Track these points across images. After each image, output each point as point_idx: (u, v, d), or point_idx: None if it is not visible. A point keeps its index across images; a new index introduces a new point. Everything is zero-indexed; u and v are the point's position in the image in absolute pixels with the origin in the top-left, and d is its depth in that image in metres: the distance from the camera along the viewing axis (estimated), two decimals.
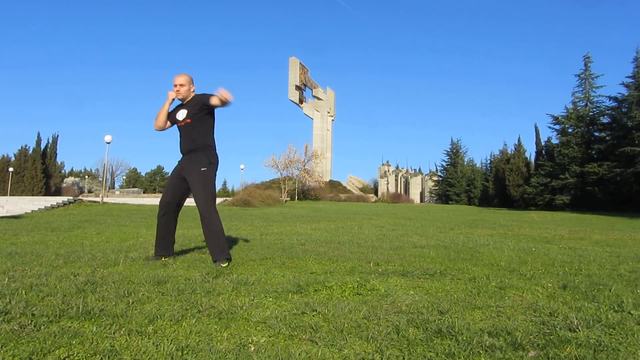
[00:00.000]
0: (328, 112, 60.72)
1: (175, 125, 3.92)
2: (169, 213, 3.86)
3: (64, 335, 1.84)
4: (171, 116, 3.90)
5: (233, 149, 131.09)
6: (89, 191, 61.64)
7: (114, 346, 1.75)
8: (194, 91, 3.90)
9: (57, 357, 1.64)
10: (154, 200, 28.25)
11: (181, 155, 3.88)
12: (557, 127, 35.26)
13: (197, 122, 3.77)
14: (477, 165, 55.61)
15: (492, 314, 2.28)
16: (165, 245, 3.92)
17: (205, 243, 3.83)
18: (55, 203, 17.44)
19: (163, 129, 3.90)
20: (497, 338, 1.89)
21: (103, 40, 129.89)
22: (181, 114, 3.83)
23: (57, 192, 45.57)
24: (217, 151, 3.89)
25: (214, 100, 3.63)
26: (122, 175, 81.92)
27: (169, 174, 3.95)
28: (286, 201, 34.94)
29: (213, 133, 3.88)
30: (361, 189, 63.19)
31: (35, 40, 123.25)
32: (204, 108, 3.75)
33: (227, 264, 3.62)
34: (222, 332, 1.94)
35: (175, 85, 3.79)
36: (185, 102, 3.87)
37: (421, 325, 2.05)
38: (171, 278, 3.04)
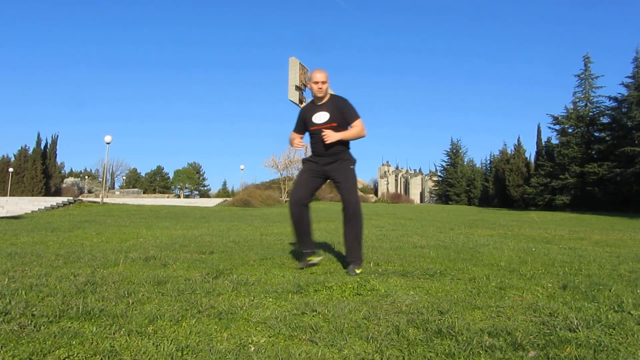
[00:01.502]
0: None
1: (308, 129, 3.72)
2: (304, 208, 3.66)
3: (64, 336, 1.84)
4: (305, 120, 3.71)
5: (233, 149, 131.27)
6: (89, 191, 61.63)
7: (114, 346, 1.75)
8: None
9: (57, 358, 1.64)
10: (154, 200, 28.25)
11: (315, 155, 3.70)
12: (557, 127, 35.28)
13: (340, 126, 3.61)
14: (477, 166, 55.63)
15: (492, 314, 2.28)
16: (309, 240, 3.69)
17: (344, 240, 3.61)
18: (55, 203, 17.44)
19: None
20: (497, 338, 1.89)
21: (103, 40, 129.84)
22: (320, 117, 3.62)
23: (57, 193, 45.58)
24: None
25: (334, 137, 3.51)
26: (122, 176, 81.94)
27: (300, 173, 3.79)
28: (286, 201, 34.93)
29: None
30: (361, 189, 63.22)
31: (35, 40, 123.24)
32: (343, 116, 3.61)
33: (361, 270, 3.43)
34: (222, 333, 1.94)
35: (317, 83, 3.58)
36: (322, 103, 3.65)
37: (421, 325, 2.05)
38: (171, 278, 3.04)
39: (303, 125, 3.76)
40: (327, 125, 3.58)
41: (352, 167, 3.66)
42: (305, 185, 3.68)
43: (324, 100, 3.66)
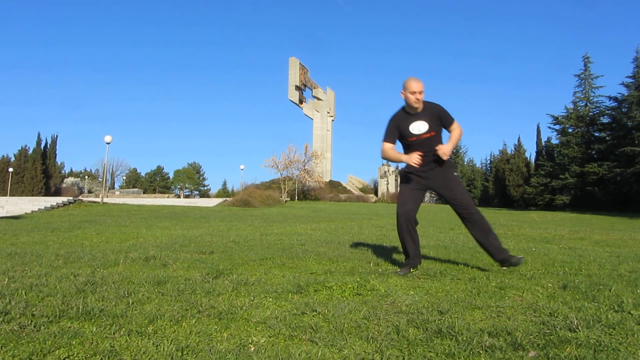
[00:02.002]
0: (328, 113, 60.71)
1: (404, 141, 3.63)
2: (411, 221, 3.60)
3: (64, 336, 1.84)
4: (401, 130, 3.58)
5: (233, 149, 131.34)
6: (89, 191, 61.61)
7: (114, 346, 1.74)
8: None
9: (57, 358, 1.64)
10: (154, 200, 28.25)
11: (415, 168, 3.57)
12: (557, 127, 35.31)
13: (438, 134, 3.56)
14: (477, 165, 55.68)
15: (492, 314, 2.28)
16: (416, 253, 3.63)
17: (480, 244, 3.60)
18: (55, 203, 17.43)
19: None
20: (497, 338, 1.89)
21: (103, 41, 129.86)
22: (419, 127, 3.52)
23: (57, 193, 45.59)
24: None
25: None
26: (122, 176, 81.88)
27: (402, 188, 3.70)
28: (286, 201, 34.94)
29: None
30: (361, 189, 63.17)
31: (36, 41, 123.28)
32: (440, 122, 3.55)
33: (521, 257, 3.50)
34: (222, 333, 1.94)
35: (415, 93, 3.45)
36: (417, 112, 3.53)
37: (421, 325, 2.05)
38: (171, 278, 3.04)
39: (398, 135, 3.62)
40: (427, 135, 3.50)
41: (455, 174, 3.62)
42: (412, 199, 3.60)
43: (419, 110, 3.54)
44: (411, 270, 3.52)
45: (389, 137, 3.60)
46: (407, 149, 3.61)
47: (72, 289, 2.67)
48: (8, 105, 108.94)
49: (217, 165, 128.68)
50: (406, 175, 3.67)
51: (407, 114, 3.56)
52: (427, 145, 3.51)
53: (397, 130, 3.59)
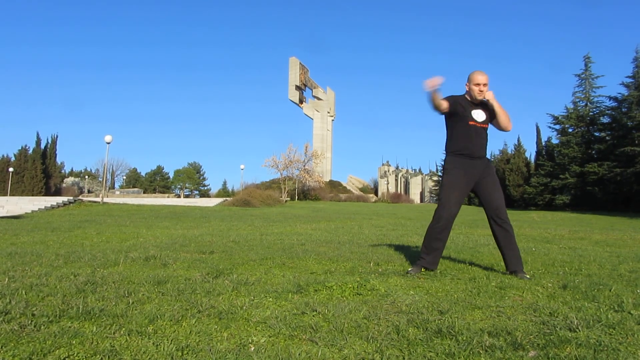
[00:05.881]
0: (328, 112, 60.72)
1: (463, 122, 3.49)
2: (450, 225, 3.53)
3: (64, 335, 1.84)
4: (460, 110, 3.48)
5: (233, 149, 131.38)
6: (89, 191, 61.63)
7: (114, 346, 1.74)
8: None
9: (57, 357, 1.64)
10: (154, 200, 28.25)
11: (467, 157, 3.48)
12: (557, 127, 35.32)
13: (488, 130, 3.56)
14: None
15: (492, 314, 2.28)
16: (436, 257, 3.51)
17: (501, 251, 3.55)
18: (55, 203, 17.44)
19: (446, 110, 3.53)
20: (497, 338, 1.89)
21: (103, 40, 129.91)
22: (479, 115, 3.48)
23: (57, 192, 45.59)
24: None
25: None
26: (122, 176, 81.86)
27: (453, 180, 3.49)
28: (286, 201, 34.94)
29: None
30: (361, 189, 63.19)
31: (35, 41, 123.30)
32: (492, 116, 3.50)
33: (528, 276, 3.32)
34: (222, 332, 1.93)
35: (479, 85, 3.42)
36: (478, 102, 3.51)
37: (421, 325, 2.05)
38: (171, 278, 3.04)
39: (455, 107, 3.47)
40: (484, 125, 3.50)
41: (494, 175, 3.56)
42: (458, 200, 3.51)
43: (480, 101, 3.52)
44: (422, 270, 3.48)
45: (446, 98, 3.48)
46: (464, 131, 3.48)
47: (72, 288, 2.67)
48: (8, 104, 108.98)
49: (217, 165, 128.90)
50: (462, 161, 3.49)
51: (469, 100, 3.53)
52: (482, 135, 3.51)
53: (454, 104, 3.48)
